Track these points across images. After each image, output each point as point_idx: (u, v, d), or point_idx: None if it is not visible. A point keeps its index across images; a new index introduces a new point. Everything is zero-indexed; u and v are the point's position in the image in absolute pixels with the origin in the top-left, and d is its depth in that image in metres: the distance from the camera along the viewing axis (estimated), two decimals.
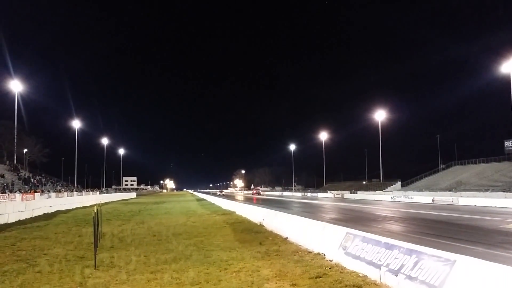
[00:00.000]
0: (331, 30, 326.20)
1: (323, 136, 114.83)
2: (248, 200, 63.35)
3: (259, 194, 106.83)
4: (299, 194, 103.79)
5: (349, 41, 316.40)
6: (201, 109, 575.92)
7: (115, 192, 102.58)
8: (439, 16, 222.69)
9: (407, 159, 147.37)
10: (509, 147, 62.63)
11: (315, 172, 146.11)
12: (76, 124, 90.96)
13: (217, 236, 15.79)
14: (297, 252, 11.84)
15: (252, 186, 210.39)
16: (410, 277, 7.26)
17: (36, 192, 49.38)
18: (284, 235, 15.05)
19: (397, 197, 58.21)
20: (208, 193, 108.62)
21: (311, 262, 10.30)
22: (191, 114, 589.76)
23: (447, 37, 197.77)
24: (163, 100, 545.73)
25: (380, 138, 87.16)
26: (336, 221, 21.97)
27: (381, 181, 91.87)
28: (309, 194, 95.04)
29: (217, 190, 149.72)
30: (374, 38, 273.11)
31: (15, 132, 71.00)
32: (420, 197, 53.24)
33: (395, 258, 8.03)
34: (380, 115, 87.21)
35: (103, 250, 12.68)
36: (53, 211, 32.34)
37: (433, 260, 7.02)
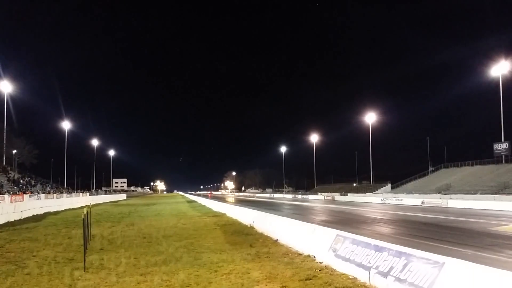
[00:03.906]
0: (322, 34, 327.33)
1: (314, 138, 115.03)
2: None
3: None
4: (290, 196, 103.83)
5: (341, 45, 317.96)
6: (192, 112, 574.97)
7: (105, 194, 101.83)
8: (430, 20, 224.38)
9: (397, 162, 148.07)
10: (498, 150, 63.13)
11: (306, 174, 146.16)
12: (66, 125, 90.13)
13: (207, 238, 15.77)
14: (288, 254, 11.87)
15: (243, 188, 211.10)
16: (399, 279, 7.32)
17: (25, 193, 48.89)
18: (274, 237, 15.08)
19: (387, 199, 58.43)
20: (199, 195, 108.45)
21: (301, 264, 10.34)
22: (182, 116, 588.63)
23: (438, 40, 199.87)
24: (154, 102, 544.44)
25: (371, 140, 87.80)
26: (326, 223, 22.04)
27: (371, 183, 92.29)
28: (299, 196, 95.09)
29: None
30: (366, 41, 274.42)
31: (4, 133, 70.31)
32: (410, 200, 53.49)
33: (385, 261, 8.09)
34: (370, 118, 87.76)
35: (93, 252, 12.62)
36: (42, 212, 32.10)
37: (422, 263, 7.08)
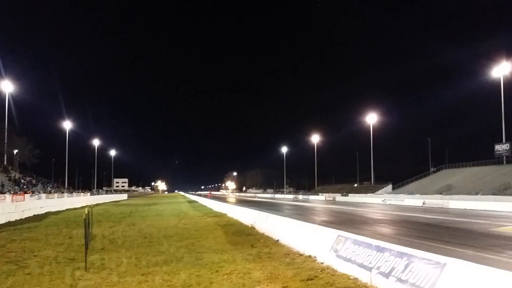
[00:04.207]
0: (324, 34, 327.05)
1: (315, 138, 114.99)
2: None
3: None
4: (291, 196, 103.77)
5: (343, 45, 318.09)
6: (193, 112, 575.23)
7: (106, 194, 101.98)
8: (432, 21, 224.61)
9: (398, 162, 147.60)
10: (499, 150, 63.04)
11: (307, 175, 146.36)
12: (67, 125, 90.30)
13: (208, 238, 15.77)
14: (289, 254, 11.86)
15: (244, 188, 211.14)
16: (400, 280, 7.31)
17: (26, 193, 48.97)
18: (275, 237, 15.07)
19: (388, 200, 58.38)
20: (200, 195, 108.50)
21: (303, 265, 10.33)
22: (183, 116, 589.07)
23: (439, 42, 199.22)
24: (155, 102, 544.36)
25: (372, 141, 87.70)
26: (327, 224, 22.02)
27: (372, 184, 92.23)
28: (300, 197, 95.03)
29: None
30: (367, 42, 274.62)
31: (6, 133, 70.38)
32: (411, 200, 53.42)
33: (386, 261, 8.08)
34: (371, 119, 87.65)
35: (94, 252, 12.62)
36: (43, 212, 32.10)
37: (424, 263, 7.07)
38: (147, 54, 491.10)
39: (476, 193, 53.38)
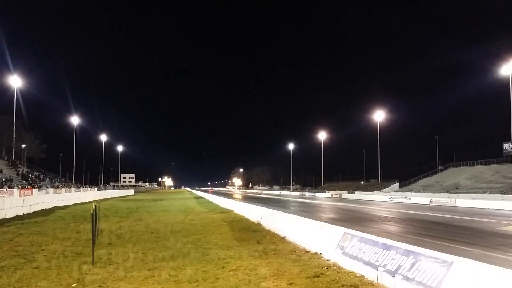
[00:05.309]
0: (331, 32, 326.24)
1: (322, 136, 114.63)
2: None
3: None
4: (297, 193, 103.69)
5: (350, 43, 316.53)
6: (200, 108, 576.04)
7: (113, 189, 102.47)
8: (440, 19, 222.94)
9: (405, 160, 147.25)
10: (507, 149, 62.56)
11: (313, 172, 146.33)
12: (75, 120, 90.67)
13: (215, 234, 15.81)
14: (295, 251, 11.86)
15: (250, 185, 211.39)
16: (407, 278, 7.29)
17: (34, 187, 49.30)
18: (281, 234, 15.07)
19: (395, 197, 58.22)
20: (206, 191, 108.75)
21: (309, 262, 10.32)
22: (190, 112, 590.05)
23: (447, 40, 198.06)
24: (163, 98, 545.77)
25: (379, 138, 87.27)
26: (333, 221, 22.00)
27: (379, 181, 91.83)
28: (307, 194, 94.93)
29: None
30: (375, 40, 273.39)
31: (14, 128, 70.84)
32: (417, 198, 53.26)
33: (393, 259, 8.06)
34: (379, 116, 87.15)
35: (101, 246, 12.70)
36: (51, 207, 32.32)
37: (430, 261, 7.04)
38: (155, 50, 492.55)
39: (484, 192, 53.07)
